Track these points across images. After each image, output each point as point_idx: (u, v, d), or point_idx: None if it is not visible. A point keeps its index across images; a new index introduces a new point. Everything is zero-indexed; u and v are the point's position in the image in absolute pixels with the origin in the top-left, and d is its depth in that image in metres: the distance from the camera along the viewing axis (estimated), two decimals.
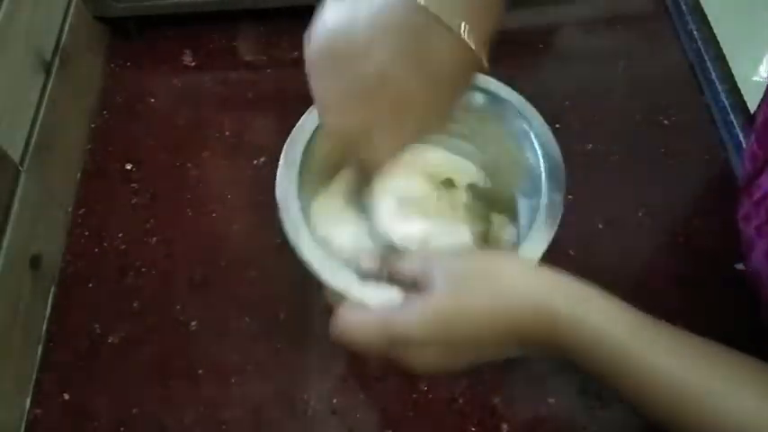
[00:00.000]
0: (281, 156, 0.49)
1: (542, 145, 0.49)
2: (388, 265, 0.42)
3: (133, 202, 0.68)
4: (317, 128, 0.50)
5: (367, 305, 0.41)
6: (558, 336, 0.36)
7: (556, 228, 0.45)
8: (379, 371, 0.53)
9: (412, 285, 0.40)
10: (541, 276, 0.37)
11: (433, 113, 0.42)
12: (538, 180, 0.48)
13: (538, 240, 0.44)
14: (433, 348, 0.38)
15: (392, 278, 0.42)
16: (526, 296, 0.36)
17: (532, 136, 0.50)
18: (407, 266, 0.41)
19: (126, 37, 0.80)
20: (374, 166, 0.45)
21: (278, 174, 0.48)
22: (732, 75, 0.73)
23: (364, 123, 0.41)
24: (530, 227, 0.45)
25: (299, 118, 0.52)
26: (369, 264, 0.44)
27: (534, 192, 0.48)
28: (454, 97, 0.42)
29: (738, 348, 0.37)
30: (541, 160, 0.49)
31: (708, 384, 0.34)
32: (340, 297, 0.43)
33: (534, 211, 0.47)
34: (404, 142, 0.43)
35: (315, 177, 0.53)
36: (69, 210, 0.67)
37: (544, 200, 0.46)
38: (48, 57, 0.66)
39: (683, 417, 0.34)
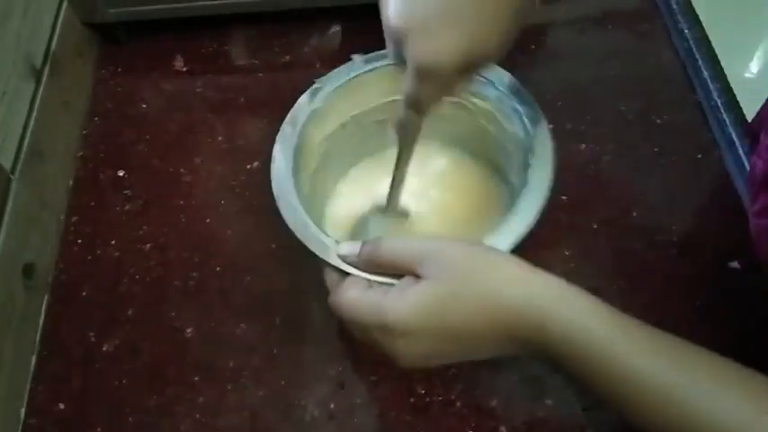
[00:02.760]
0: (276, 144, 0.51)
1: (530, 119, 0.51)
2: (377, 252, 0.41)
3: (126, 208, 0.67)
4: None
5: (368, 283, 0.41)
6: (545, 335, 0.36)
7: (544, 199, 0.46)
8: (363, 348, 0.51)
9: (398, 274, 0.40)
10: (535, 277, 0.38)
11: (491, 26, 0.40)
12: (529, 156, 0.49)
13: (525, 213, 0.45)
14: (421, 341, 0.38)
15: (379, 265, 0.41)
16: (520, 296, 0.37)
17: (520, 111, 0.51)
18: (402, 253, 0.40)
19: (116, 43, 0.80)
20: (427, 74, 0.42)
21: (274, 159, 0.50)
22: (724, 73, 0.73)
23: (421, 17, 0.40)
24: (517, 201, 0.46)
25: None
26: (347, 250, 0.43)
27: (526, 167, 0.49)
28: (511, 19, 0.41)
29: (734, 346, 0.37)
30: (530, 136, 0.50)
31: (692, 385, 0.34)
32: (338, 279, 0.44)
33: (525, 184, 0.47)
34: (459, 49, 0.40)
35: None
36: (62, 217, 0.67)
37: (532, 175, 0.47)
38: (38, 64, 0.66)
39: (667, 418, 0.34)
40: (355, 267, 0.43)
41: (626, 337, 0.35)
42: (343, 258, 0.43)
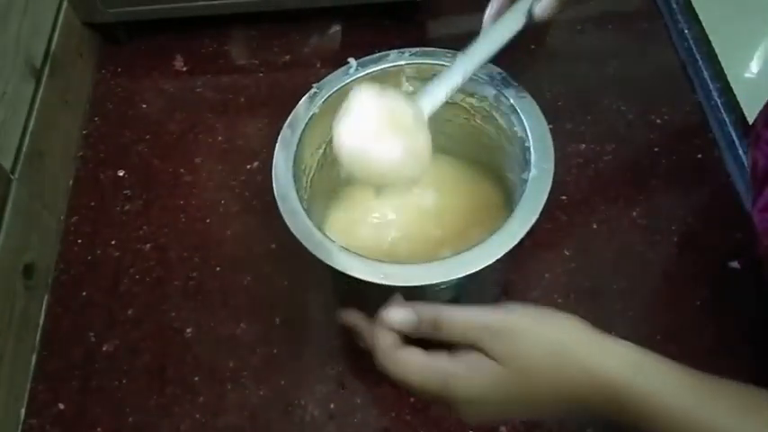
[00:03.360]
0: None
1: (528, 115, 0.50)
2: (437, 326, 0.39)
3: (126, 208, 0.67)
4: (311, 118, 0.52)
5: (422, 350, 0.39)
6: (621, 406, 0.35)
7: (546, 197, 0.46)
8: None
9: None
10: (607, 348, 0.37)
11: None
12: (528, 153, 0.49)
13: (529, 209, 0.45)
14: (488, 410, 0.38)
15: (438, 338, 0.39)
16: (592, 374, 0.36)
17: (517, 108, 0.51)
18: (465, 329, 0.38)
19: (116, 43, 0.80)
20: None
21: (275, 166, 0.49)
22: (724, 73, 0.73)
23: None
24: (521, 197, 0.46)
25: None
26: (400, 319, 0.40)
27: (526, 164, 0.49)
28: None
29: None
30: (528, 132, 0.49)
31: None
32: (393, 342, 0.41)
33: (525, 183, 0.47)
34: None
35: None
36: (62, 217, 0.67)
37: (534, 171, 0.47)
38: (38, 64, 0.66)
39: None
40: (407, 334, 0.40)
41: (709, 406, 0.35)
42: (396, 327, 0.40)
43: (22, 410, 0.56)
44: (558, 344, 0.37)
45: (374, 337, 0.41)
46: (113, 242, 0.65)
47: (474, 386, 0.37)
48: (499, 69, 0.53)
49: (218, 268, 0.63)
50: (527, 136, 0.49)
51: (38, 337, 0.60)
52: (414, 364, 0.39)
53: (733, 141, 0.68)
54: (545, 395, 0.37)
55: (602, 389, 0.36)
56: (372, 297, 0.54)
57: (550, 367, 0.36)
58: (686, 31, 0.77)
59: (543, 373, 0.36)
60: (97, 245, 0.65)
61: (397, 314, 0.41)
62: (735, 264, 0.61)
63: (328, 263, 0.44)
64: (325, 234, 0.46)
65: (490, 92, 0.53)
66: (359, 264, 0.44)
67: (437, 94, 0.47)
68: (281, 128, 0.51)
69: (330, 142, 0.55)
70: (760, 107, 0.55)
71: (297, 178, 0.49)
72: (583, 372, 0.36)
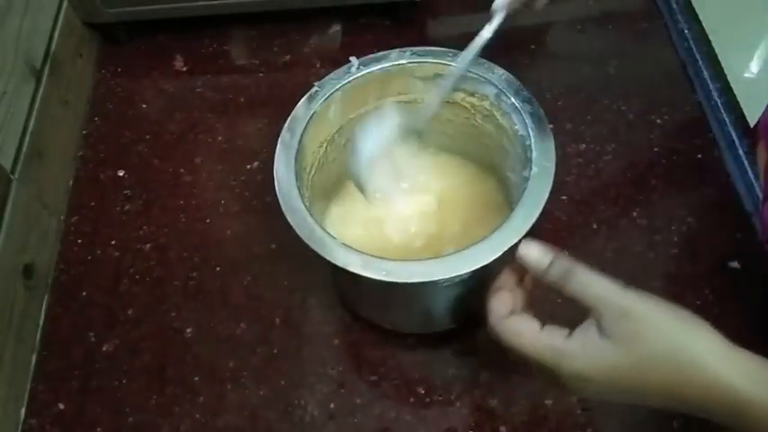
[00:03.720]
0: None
1: (528, 114, 0.51)
2: (568, 279, 0.39)
3: (126, 208, 0.67)
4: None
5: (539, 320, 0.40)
6: (742, 420, 0.35)
7: (547, 194, 0.46)
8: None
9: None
10: (731, 359, 0.36)
11: None
12: (529, 151, 0.49)
13: (531, 206, 0.46)
14: (593, 388, 0.38)
15: (561, 290, 0.40)
16: (715, 382, 0.35)
17: (518, 107, 0.51)
18: (594, 296, 0.38)
19: (116, 43, 0.80)
20: None
21: (276, 170, 0.50)
22: (724, 73, 0.73)
23: None
24: (522, 194, 0.46)
25: None
26: (535, 256, 0.40)
27: (527, 162, 0.49)
28: None
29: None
30: (529, 131, 0.50)
31: None
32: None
33: (526, 181, 0.48)
34: None
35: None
36: (62, 217, 0.67)
37: (535, 169, 0.48)
38: (38, 64, 0.66)
39: None
40: (531, 272, 0.41)
41: None
42: (526, 261, 0.41)
43: (22, 410, 0.56)
44: (684, 345, 0.36)
45: (489, 302, 0.41)
46: (113, 242, 0.65)
47: (585, 369, 0.37)
48: (500, 69, 0.53)
49: (218, 268, 0.63)
50: (528, 134, 0.50)
51: (38, 337, 0.60)
52: (528, 336, 0.39)
53: (733, 141, 0.68)
54: (656, 389, 0.37)
55: (723, 398, 0.35)
56: (373, 294, 0.55)
57: (670, 365, 0.36)
58: (686, 31, 0.77)
59: (661, 369, 0.36)
60: (97, 245, 0.65)
61: (535, 250, 0.40)
62: (735, 264, 0.61)
63: (330, 260, 0.44)
64: (327, 232, 0.46)
65: (491, 91, 0.53)
66: (361, 261, 0.44)
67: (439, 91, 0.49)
68: (281, 128, 0.51)
69: (330, 142, 0.56)
70: (760, 107, 0.55)
71: (298, 177, 0.49)
72: (704, 378, 0.35)
